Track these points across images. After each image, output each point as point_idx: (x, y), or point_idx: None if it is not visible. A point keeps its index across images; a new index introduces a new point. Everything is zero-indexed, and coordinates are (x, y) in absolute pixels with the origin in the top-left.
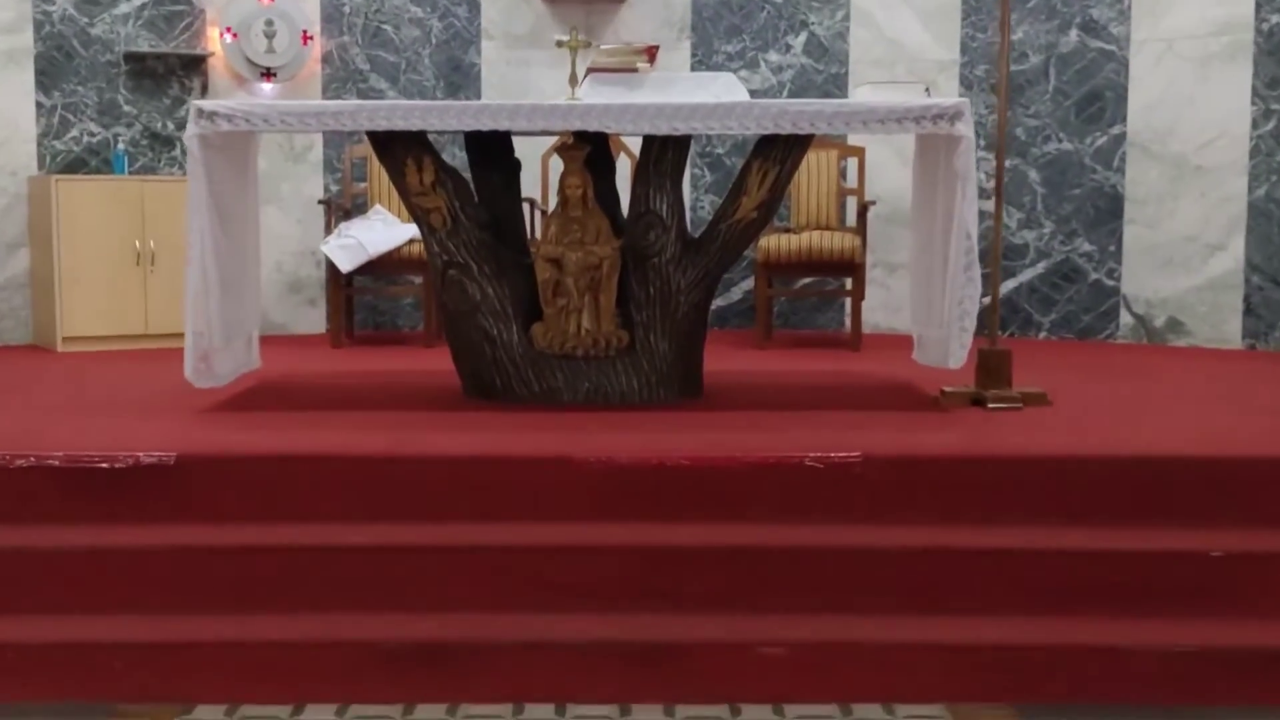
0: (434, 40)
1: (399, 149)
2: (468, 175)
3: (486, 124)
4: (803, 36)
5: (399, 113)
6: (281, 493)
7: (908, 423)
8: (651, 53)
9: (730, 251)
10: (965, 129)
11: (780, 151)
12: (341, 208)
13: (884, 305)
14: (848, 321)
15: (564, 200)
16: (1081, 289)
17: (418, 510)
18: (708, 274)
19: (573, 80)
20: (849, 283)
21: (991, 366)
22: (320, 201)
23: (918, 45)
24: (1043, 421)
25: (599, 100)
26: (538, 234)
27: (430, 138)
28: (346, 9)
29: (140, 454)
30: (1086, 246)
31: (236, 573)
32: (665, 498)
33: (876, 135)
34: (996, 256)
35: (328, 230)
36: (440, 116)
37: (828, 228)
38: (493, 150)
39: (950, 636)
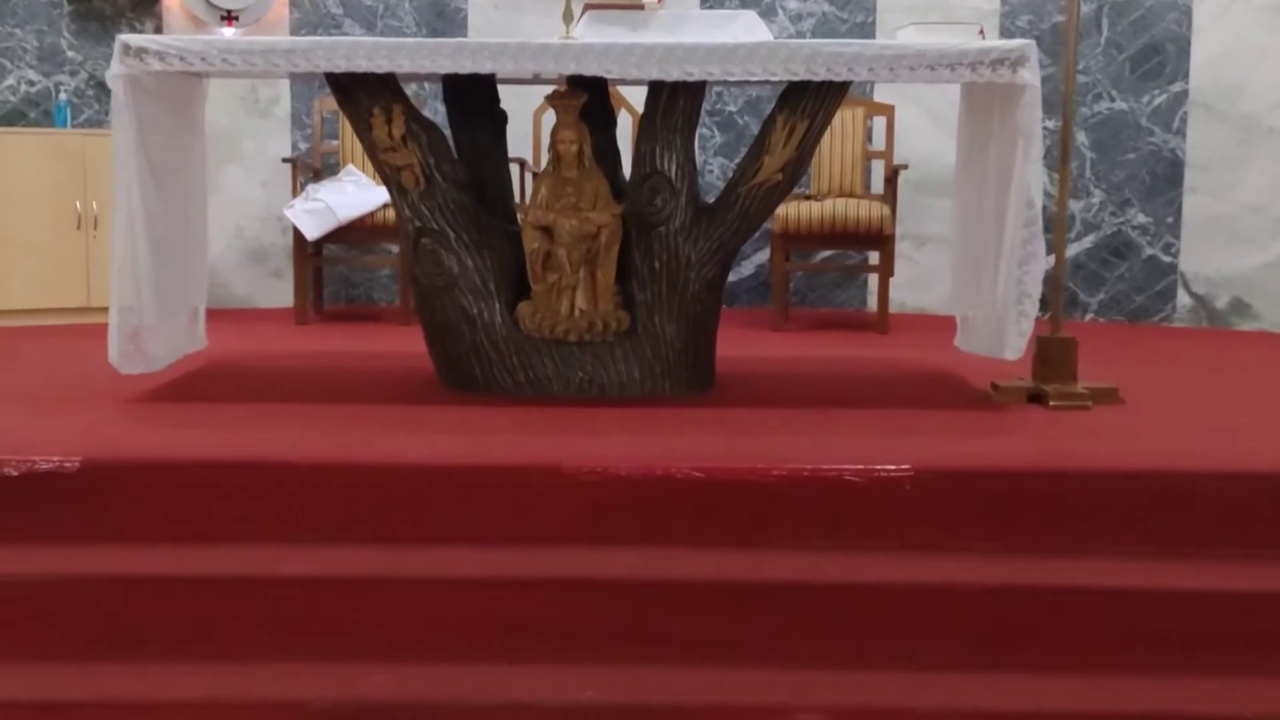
0: None
1: (364, 96)
2: (447, 132)
3: (466, 65)
4: None
5: (362, 51)
6: (205, 509)
7: (959, 425)
8: None
9: (749, 220)
10: (1030, 76)
11: (810, 103)
12: (310, 168)
13: (911, 282)
14: (870, 300)
15: (556, 158)
16: (1134, 266)
17: (370, 531)
18: (723, 246)
19: (567, 17)
20: (873, 257)
21: (1053, 357)
22: (285, 160)
23: None
24: (1120, 425)
25: (598, 40)
26: (526, 198)
27: (410, 94)
28: None
29: (37, 458)
30: (1141, 218)
31: (144, 609)
32: (674, 518)
33: (915, 86)
34: (1061, 226)
35: (294, 193)
36: (412, 56)
37: (852, 195)
38: (475, 99)
39: (1028, 701)
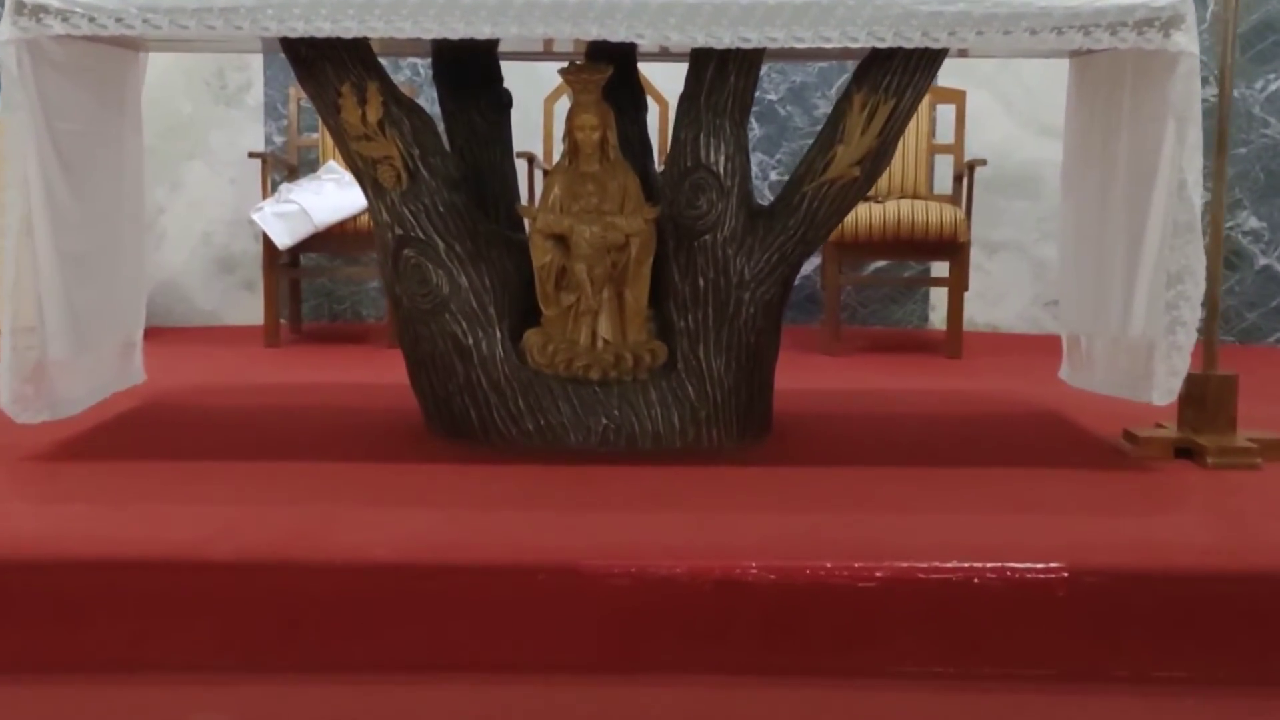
0: None
1: (330, 70)
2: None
3: (458, 29)
4: None
5: (324, 10)
6: (89, 629)
7: (1103, 495)
8: None
9: (816, 226)
10: (1186, 41)
11: (896, 79)
12: (285, 164)
13: (981, 295)
14: (932, 315)
15: (573, 148)
16: (1246, 278)
17: (314, 660)
18: (784, 259)
19: None
20: (938, 267)
21: (1208, 399)
22: (253, 155)
23: None
24: None
25: None
26: (536, 200)
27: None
28: None
29: None
30: (1253, 223)
31: None
32: (737, 638)
33: (985, 69)
34: (1217, 236)
35: (265, 193)
36: (387, 16)
37: (916, 196)
38: (471, 76)
39: None
